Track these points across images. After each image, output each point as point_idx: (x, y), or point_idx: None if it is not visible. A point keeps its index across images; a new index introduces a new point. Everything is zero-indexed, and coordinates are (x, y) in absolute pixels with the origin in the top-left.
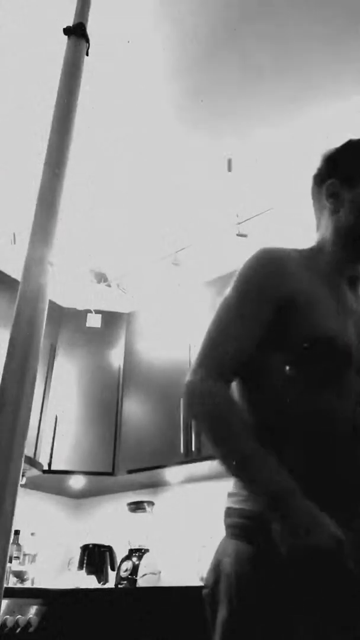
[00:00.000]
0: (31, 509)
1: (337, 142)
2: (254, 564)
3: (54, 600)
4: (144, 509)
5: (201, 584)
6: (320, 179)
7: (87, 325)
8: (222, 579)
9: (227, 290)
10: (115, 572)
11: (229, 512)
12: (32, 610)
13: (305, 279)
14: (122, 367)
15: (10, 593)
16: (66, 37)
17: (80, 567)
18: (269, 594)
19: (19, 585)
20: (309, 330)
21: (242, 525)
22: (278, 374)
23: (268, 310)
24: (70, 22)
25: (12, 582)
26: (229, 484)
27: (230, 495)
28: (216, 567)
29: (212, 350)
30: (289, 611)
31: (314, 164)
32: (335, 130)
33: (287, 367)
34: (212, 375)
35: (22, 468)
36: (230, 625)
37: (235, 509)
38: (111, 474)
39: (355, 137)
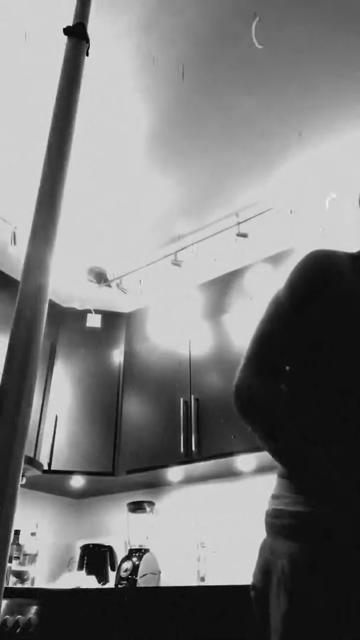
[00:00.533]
0: (31, 509)
1: None
2: (311, 563)
3: (54, 600)
4: (144, 509)
5: (201, 584)
6: None
7: (87, 325)
8: (279, 579)
9: (279, 288)
10: (115, 572)
11: (278, 513)
12: (32, 610)
13: (353, 279)
14: (122, 367)
15: (10, 593)
16: (66, 37)
17: (80, 567)
18: (329, 588)
19: (19, 585)
20: (353, 328)
21: (295, 526)
22: (323, 370)
23: (315, 307)
24: (70, 22)
25: (12, 582)
26: (231, 485)
27: (276, 497)
28: (267, 568)
29: (261, 347)
30: (349, 602)
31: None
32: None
33: (330, 363)
34: (261, 372)
35: (22, 468)
36: (294, 619)
37: (285, 511)
38: (111, 474)
39: None
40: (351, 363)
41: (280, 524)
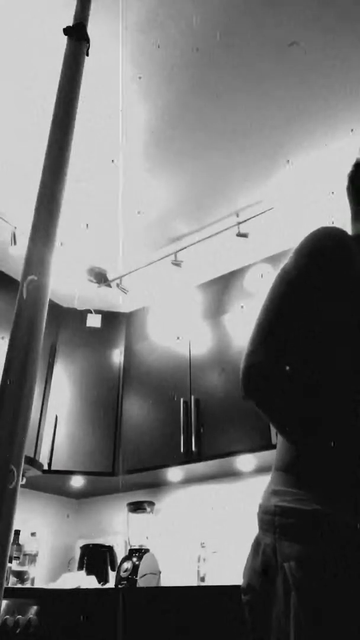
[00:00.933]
0: (31, 509)
1: None
2: (322, 566)
3: (53, 601)
4: (144, 509)
5: (201, 584)
6: None
7: (87, 325)
8: (286, 581)
9: (285, 265)
10: (115, 572)
11: (281, 511)
12: (32, 611)
13: (358, 255)
14: (122, 367)
15: (10, 593)
16: (66, 37)
17: (80, 567)
18: (343, 591)
19: (19, 586)
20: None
21: (303, 526)
22: (334, 350)
23: (326, 284)
24: (70, 22)
25: (12, 582)
26: (231, 485)
27: (276, 493)
28: (268, 569)
29: (271, 330)
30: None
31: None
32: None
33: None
34: (271, 353)
35: (22, 468)
36: (308, 624)
37: (290, 509)
38: (111, 474)
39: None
40: None
41: (284, 522)
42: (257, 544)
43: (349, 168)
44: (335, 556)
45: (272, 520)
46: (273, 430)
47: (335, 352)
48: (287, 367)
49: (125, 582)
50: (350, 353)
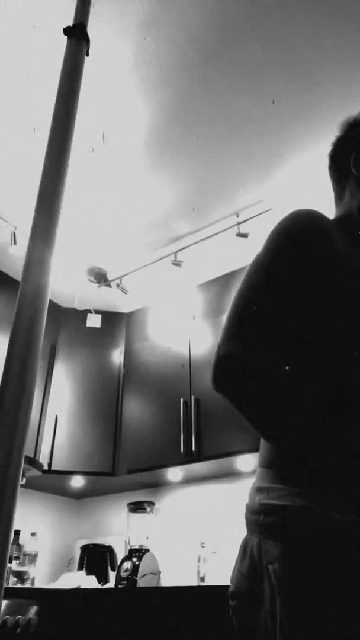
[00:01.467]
0: (31, 509)
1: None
2: (306, 567)
3: (54, 601)
4: (144, 509)
5: (201, 584)
6: (343, 147)
7: (87, 325)
8: (272, 585)
9: (259, 251)
10: (115, 572)
11: (265, 509)
12: (32, 611)
13: (342, 242)
14: (122, 367)
15: (11, 593)
16: (66, 37)
17: (80, 567)
18: (326, 592)
19: (19, 586)
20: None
21: (286, 525)
22: (316, 339)
23: (303, 269)
24: (70, 22)
25: (12, 582)
26: (231, 485)
27: (261, 490)
28: (255, 573)
29: (244, 320)
30: (350, 606)
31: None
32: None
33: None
34: (245, 346)
35: (22, 468)
36: (291, 630)
37: (274, 506)
38: (111, 474)
39: None
40: (349, 330)
41: (268, 521)
42: (244, 546)
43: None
44: (323, 556)
45: (257, 519)
46: None
47: (316, 340)
48: (262, 359)
49: (125, 582)
50: (331, 341)
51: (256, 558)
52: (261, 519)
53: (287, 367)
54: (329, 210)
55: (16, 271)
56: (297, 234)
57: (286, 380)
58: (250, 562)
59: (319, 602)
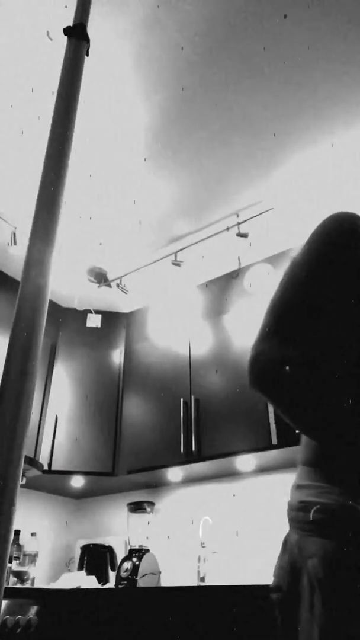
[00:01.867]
0: (31, 509)
1: None
2: (344, 563)
3: (54, 601)
4: (144, 509)
5: (201, 584)
6: None
7: (87, 325)
8: (310, 580)
9: (299, 251)
10: (115, 572)
11: (304, 506)
12: (32, 611)
13: None
14: (122, 367)
15: (11, 593)
16: (66, 37)
17: (80, 567)
18: None
19: (19, 586)
20: None
21: (326, 521)
22: (348, 338)
23: (342, 272)
24: (70, 22)
25: (12, 582)
26: (231, 485)
27: (301, 487)
28: (295, 568)
29: (281, 318)
30: None
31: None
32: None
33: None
34: (281, 344)
35: (22, 468)
36: (330, 625)
37: (313, 503)
38: (111, 474)
39: None
40: None
41: (308, 518)
42: (285, 542)
43: (348, 166)
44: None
45: (296, 516)
46: (273, 430)
47: (350, 341)
48: (297, 357)
49: (125, 582)
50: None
51: (296, 553)
52: (300, 516)
53: (325, 366)
54: (329, 210)
55: (16, 271)
56: (338, 237)
57: (321, 379)
58: (290, 557)
59: (357, 598)
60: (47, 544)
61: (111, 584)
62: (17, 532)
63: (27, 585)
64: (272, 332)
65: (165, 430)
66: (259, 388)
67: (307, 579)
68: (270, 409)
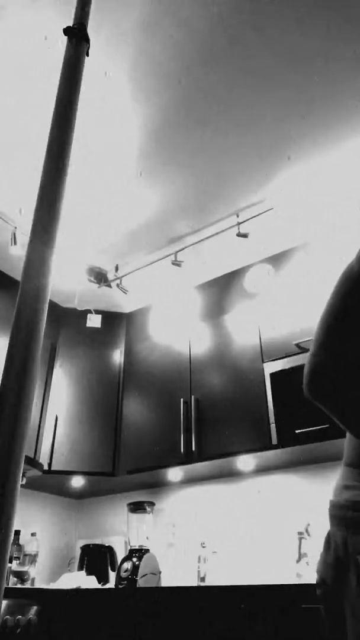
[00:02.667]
0: (31, 509)
1: None
2: None
3: (54, 601)
4: (144, 509)
5: (201, 584)
6: None
7: (87, 325)
8: (358, 573)
9: (351, 261)
10: (115, 573)
11: (353, 505)
12: (32, 611)
13: None
14: (122, 367)
15: (11, 593)
16: (66, 37)
17: (81, 567)
18: None
19: (19, 586)
20: None
21: None
22: None
23: None
24: (70, 22)
25: (12, 582)
26: (231, 485)
27: (348, 487)
28: (341, 564)
29: (334, 330)
30: None
31: None
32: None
33: None
34: (335, 356)
35: (22, 468)
36: None
37: None
38: (111, 474)
39: None
40: None
41: (357, 516)
42: (328, 540)
43: (348, 166)
44: None
45: (344, 515)
46: (273, 430)
47: None
48: (350, 369)
49: (125, 582)
50: None
51: (341, 550)
52: (348, 514)
53: None
54: (329, 209)
55: (16, 271)
56: None
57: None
58: (336, 553)
59: None
60: (47, 544)
61: (111, 584)
62: (17, 532)
63: (27, 585)
64: (326, 344)
65: (165, 430)
66: (316, 402)
67: (355, 574)
68: (270, 409)
